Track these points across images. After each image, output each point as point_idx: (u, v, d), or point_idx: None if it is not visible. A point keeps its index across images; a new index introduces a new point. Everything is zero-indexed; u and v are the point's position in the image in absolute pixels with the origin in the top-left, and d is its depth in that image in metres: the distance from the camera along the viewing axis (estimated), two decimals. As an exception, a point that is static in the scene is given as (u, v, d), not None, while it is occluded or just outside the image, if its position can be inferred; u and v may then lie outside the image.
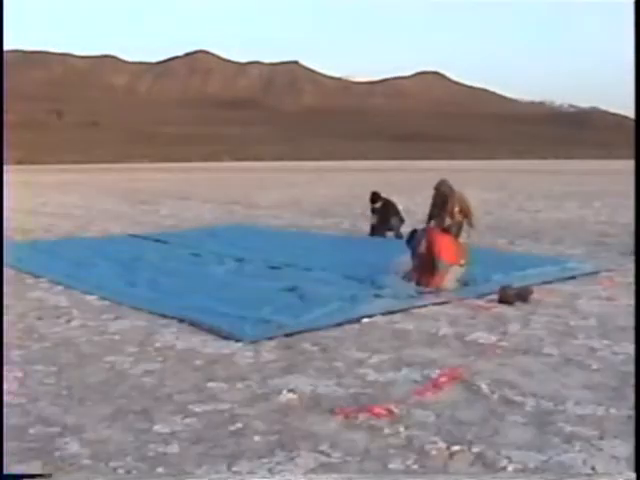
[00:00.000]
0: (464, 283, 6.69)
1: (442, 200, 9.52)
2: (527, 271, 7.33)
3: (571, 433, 3.21)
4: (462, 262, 6.74)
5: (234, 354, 4.56)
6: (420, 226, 7.68)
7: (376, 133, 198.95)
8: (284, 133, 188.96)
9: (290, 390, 3.82)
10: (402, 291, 6.31)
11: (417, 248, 6.80)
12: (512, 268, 7.42)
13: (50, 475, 2.84)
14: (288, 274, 7.48)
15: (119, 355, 4.56)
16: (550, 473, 2.84)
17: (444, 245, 6.76)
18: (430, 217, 9.59)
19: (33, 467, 2.91)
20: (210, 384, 3.95)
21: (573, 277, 7.22)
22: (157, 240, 10.45)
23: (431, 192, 9.99)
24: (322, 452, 3.03)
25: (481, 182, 31.27)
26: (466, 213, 9.34)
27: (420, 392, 3.76)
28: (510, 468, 2.87)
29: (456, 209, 9.29)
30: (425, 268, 6.66)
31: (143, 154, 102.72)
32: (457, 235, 8.99)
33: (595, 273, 7.48)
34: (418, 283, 6.56)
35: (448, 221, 9.20)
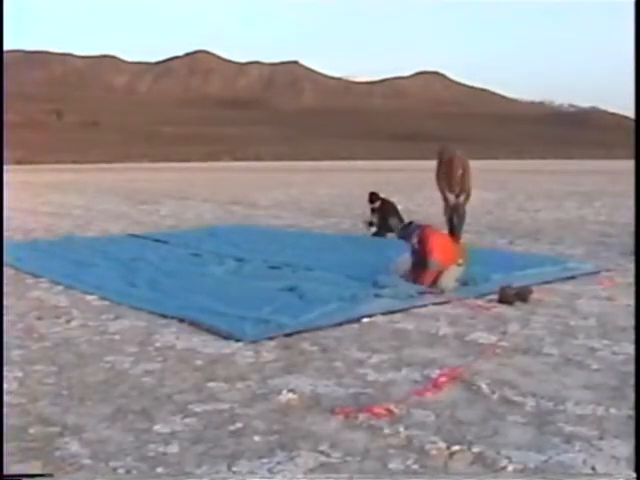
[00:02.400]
0: (463, 283, 6.69)
1: (446, 169, 9.66)
2: (527, 271, 7.33)
3: (571, 433, 3.21)
4: (460, 261, 6.71)
5: (234, 354, 4.56)
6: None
7: (376, 133, 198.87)
8: (284, 133, 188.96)
9: (290, 390, 3.82)
10: (402, 291, 6.31)
11: (408, 240, 6.83)
12: (512, 268, 7.42)
13: (50, 475, 2.84)
14: (288, 274, 7.48)
15: (119, 355, 4.56)
16: (550, 473, 2.84)
17: (437, 244, 6.70)
18: (441, 190, 9.91)
19: (33, 467, 2.91)
20: (210, 384, 3.95)
21: (573, 277, 7.22)
22: (157, 240, 10.45)
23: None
24: (322, 452, 3.03)
25: (481, 182, 31.22)
26: (465, 169, 9.59)
27: (420, 392, 3.76)
28: (510, 468, 2.87)
29: (459, 172, 9.48)
30: (419, 266, 6.67)
31: (143, 154, 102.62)
32: (465, 202, 9.46)
33: (595, 273, 7.47)
34: (414, 281, 6.56)
35: (456, 192, 9.41)
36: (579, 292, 6.49)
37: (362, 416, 3.43)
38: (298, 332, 5.03)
